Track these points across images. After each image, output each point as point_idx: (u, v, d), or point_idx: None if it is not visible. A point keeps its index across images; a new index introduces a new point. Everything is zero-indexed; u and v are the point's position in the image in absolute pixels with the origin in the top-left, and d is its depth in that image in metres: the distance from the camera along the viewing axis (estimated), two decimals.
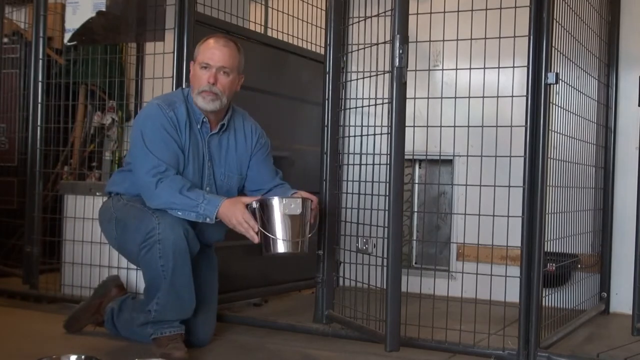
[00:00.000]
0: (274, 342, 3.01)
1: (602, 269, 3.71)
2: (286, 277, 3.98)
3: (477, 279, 2.89)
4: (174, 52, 3.32)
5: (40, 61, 3.88)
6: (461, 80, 3.02)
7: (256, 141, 2.96)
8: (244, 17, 3.90)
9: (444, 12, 2.85)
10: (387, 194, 2.69)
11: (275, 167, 3.06)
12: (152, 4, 3.54)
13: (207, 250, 2.93)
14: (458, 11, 2.83)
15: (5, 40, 4.48)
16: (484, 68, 2.86)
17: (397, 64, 2.64)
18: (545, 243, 2.77)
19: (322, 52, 3.37)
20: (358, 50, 3.12)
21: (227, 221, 2.64)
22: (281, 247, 2.62)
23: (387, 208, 2.70)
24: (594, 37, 3.52)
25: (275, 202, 2.62)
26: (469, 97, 2.93)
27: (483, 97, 2.91)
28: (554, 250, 3.02)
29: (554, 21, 2.75)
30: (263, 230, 2.61)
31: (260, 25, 4.27)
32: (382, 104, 2.83)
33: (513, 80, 2.83)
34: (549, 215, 2.85)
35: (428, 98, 2.98)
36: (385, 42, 2.84)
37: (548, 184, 2.77)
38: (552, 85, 2.70)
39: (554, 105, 2.85)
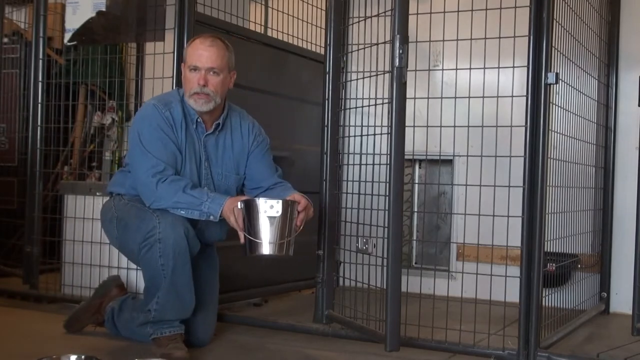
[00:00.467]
0: (274, 342, 3.01)
1: (602, 269, 3.71)
2: (286, 277, 3.98)
3: (477, 279, 2.89)
4: (174, 52, 3.32)
5: (40, 61, 3.88)
6: (461, 80, 3.02)
7: (253, 139, 2.95)
8: (244, 17, 3.90)
9: (444, 12, 2.85)
10: (387, 194, 2.69)
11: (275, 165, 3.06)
12: (152, 4, 3.54)
13: (208, 249, 2.93)
14: (458, 11, 2.83)
15: (5, 40, 4.48)
16: (484, 68, 2.86)
17: (397, 64, 2.64)
18: (545, 243, 2.77)
19: (322, 52, 3.37)
20: (358, 50, 3.12)
21: (227, 220, 2.64)
22: (260, 249, 2.57)
23: (387, 208, 2.70)
24: (594, 37, 3.52)
25: (256, 203, 2.58)
26: (469, 97, 2.93)
27: (483, 97, 2.91)
28: (554, 250, 3.02)
29: (554, 21, 2.75)
30: (244, 232, 2.58)
31: (260, 25, 4.27)
32: (382, 104, 2.83)
33: (513, 80, 2.83)
34: (549, 215, 2.85)
35: (428, 98, 2.98)
36: (385, 42, 2.84)
37: (548, 184, 2.77)
38: (552, 85, 2.70)
39: (554, 105, 2.85)
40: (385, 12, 2.83)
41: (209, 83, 2.73)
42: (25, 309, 3.57)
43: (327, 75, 3.22)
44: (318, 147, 3.26)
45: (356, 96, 3.37)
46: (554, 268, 3.13)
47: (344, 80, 3.57)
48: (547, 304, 2.85)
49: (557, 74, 2.69)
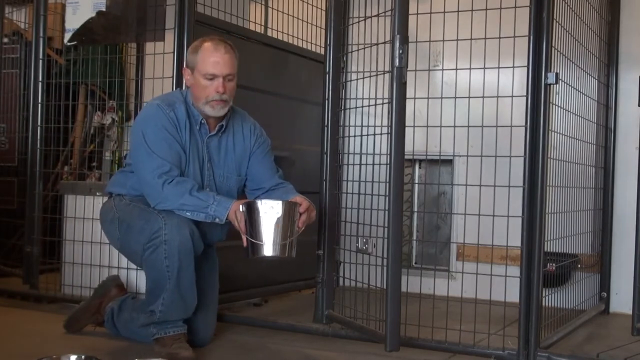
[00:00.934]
0: (274, 342, 3.01)
1: (602, 269, 3.71)
2: (286, 277, 3.98)
3: (477, 279, 2.89)
4: (174, 52, 3.32)
5: (40, 61, 3.88)
6: (461, 80, 3.02)
7: (255, 140, 2.95)
8: (244, 17, 3.90)
9: (444, 12, 2.85)
10: (387, 194, 2.69)
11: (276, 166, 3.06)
12: (152, 4, 3.54)
13: (209, 250, 2.93)
14: (458, 11, 2.83)
15: (5, 40, 4.48)
16: (484, 68, 2.86)
17: (397, 64, 2.64)
18: (545, 243, 2.77)
19: (322, 52, 3.37)
20: (358, 50, 3.12)
21: (233, 223, 2.65)
22: (262, 251, 2.56)
23: (387, 208, 2.70)
24: (594, 37, 3.52)
25: (257, 205, 2.58)
26: (469, 97, 2.93)
27: (483, 97, 2.91)
28: (554, 250, 3.02)
29: (554, 21, 2.75)
30: (245, 234, 2.58)
31: (260, 25, 4.27)
32: (382, 104, 2.83)
33: (513, 80, 2.83)
34: (549, 215, 2.85)
35: (428, 98, 2.98)
36: (385, 42, 2.84)
37: (548, 184, 2.77)
38: (552, 85, 2.70)
39: (554, 105, 2.85)
40: (385, 12, 2.83)
41: (226, 89, 2.74)
42: (25, 309, 3.57)
43: (327, 75, 3.22)
44: (318, 147, 3.26)
45: (356, 96, 3.38)
46: (554, 268, 3.13)
47: (344, 80, 3.57)
48: (547, 304, 2.85)
49: (557, 74, 2.69)
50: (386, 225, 2.69)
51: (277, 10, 4.16)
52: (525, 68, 2.71)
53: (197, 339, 2.83)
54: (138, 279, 3.38)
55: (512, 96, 2.76)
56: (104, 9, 3.72)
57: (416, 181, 4.54)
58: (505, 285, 2.77)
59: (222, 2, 3.62)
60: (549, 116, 2.72)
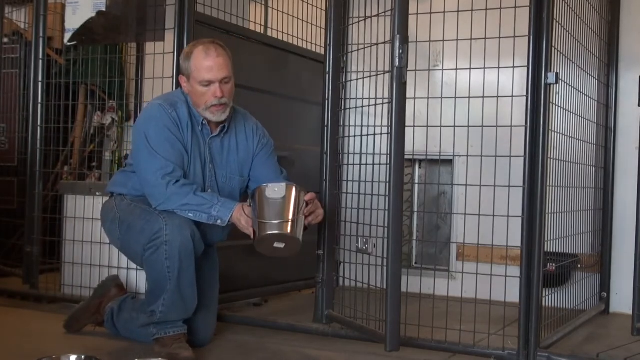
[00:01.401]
0: (274, 342, 3.01)
1: (602, 269, 3.71)
2: (286, 277, 3.98)
3: (477, 279, 2.89)
4: (174, 52, 3.32)
5: (40, 61, 3.88)
6: (461, 80, 3.02)
7: (258, 141, 2.95)
8: (244, 17, 3.90)
9: (444, 12, 2.84)
10: (387, 194, 2.69)
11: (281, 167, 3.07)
12: (152, 4, 3.54)
13: (209, 250, 2.93)
14: (458, 11, 2.83)
15: (5, 40, 4.48)
16: (484, 68, 2.86)
17: (397, 64, 2.64)
18: (545, 243, 2.77)
19: (322, 52, 3.37)
20: (358, 50, 3.12)
21: (238, 224, 2.65)
22: (266, 229, 2.55)
23: (387, 208, 2.70)
24: (594, 37, 3.52)
25: (261, 188, 2.60)
26: (469, 97, 2.93)
27: (483, 97, 2.91)
28: (554, 250, 3.02)
29: (554, 21, 2.75)
30: (250, 218, 2.59)
31: (260, 25, 4.27)
32: (382, 104, 2.83)
33: (513, 80, 2.83)
34: (549, 215, 2.85)
35: (428, 98, 2.98)
36: (385, 42, 2.84)
37: (548, 184, 2.77)
38: (552, 85, 2.70)
39: (554, 105, 2.85)
40: (385, 12, 2.83)
41: (224, 93, 2.72)
42: (25, 309, 3.57)
43: (327, 75, 3.22)
44: (318, 147, 3.26)
45: (356, 96, 3.38)
46: (554, 268, 3.13)
47: (344, 80, 3.57)
48: (547, 304, 2.85)
49: (557, 74, 2.69)
50: (386, 225, 2.69)
51: (277, 10, 4.16)
52: (525, 68, 2.71)
53: (197, 339, 2.83)
54: (138, 279, 3.38)
55: (512, 96, 2.76)
56: (104, 9, 3.72)
57: (416, 181, 4.54)
58: (505, 285, 2.77)
59: (222, 2, 3.62)
60: (549, 116, 2.72)
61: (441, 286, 3.40)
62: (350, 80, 3.61)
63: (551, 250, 2.96)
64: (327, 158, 3.19)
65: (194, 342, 2.79)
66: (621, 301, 3.71)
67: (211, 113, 2.75)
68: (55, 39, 4.36)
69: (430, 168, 4.48)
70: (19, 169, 4.52)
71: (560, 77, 2.81)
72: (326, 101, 3.22)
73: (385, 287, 2.68)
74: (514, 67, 2.80)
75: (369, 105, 3.05)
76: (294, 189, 2.62)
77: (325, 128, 3.21)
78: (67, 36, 3.83)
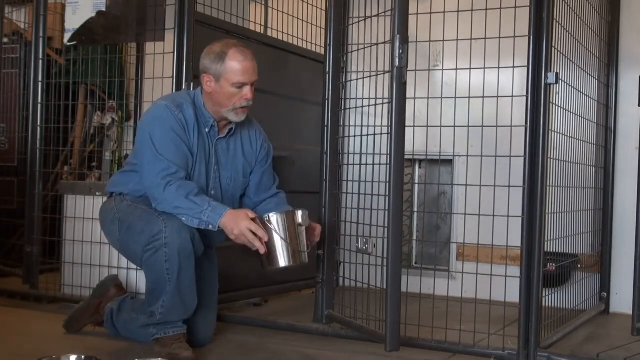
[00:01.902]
0: (274, 342, 3.01)
1: (602, 269, 3.71)
2: (286, 277, 3.97)
3: (477, 279, 2.89)
4: (174, 52, 3.32)
5: (40, 61, 3.88)
6: (461, 80, 3.02)
7: (261, 146, 2.98)
8: (244, 17, 3.90)
9: (444, 12, 2.85)
10: (387, 194, 2.69)
11: (276, 167, 3.07)
12: (152, 4, 3.54)
13: (209, 250, 2.92)
14: (458, 11, 2.83)
15: (5, 40, 4.48)
16: (484, 68, 2.86)
17: (397, 64, 2.64)
18: (545, 243, 2.77)
19: (322, 52, 3.37)
20: (358, 50, 3.12)
21: (229, 231, 2.62)
22: (298, 259, 2.67)
23: (387, 208, 2.70)
24: (594, 37, 3.52)
25: (290, 214, 2.67)
26: (469, 97, 2.93)
27: (483, 97, 2.91)
28: (554, 250, 3.02)
29: (554, 21, 2.75)
30: (263, 247, 2.61)
31: (260, 25, 4.27)
32: (382, 104, 2.83)
33: (513, 80, 2.83)
34: (549, 215, 2.85)
35: (428, 98, 2.98)
36: (385, 42, 2.84)
37: (548, 184, 2.77)
38: (552, 85, 2.70)
39: (554, 105, 2.85)
40: (385, 12, 2.83)
41: (252, 96, 2.77)
42: (25, 309, 3.57)
43: (327, 75, 3.22)
44: (318, 147, 3.26)
45: (356, 96, 3.38)
46: (554, 268, 3.13)
47: (344, 80, 3.57)
48: (547, 304, 2.85)
49: (557, 74, 2.69)
50: (386, 225, 2.69)
51: (277, 10, 4.16)
52: (525, 68, 2.71)
53: (197, 339, 2.83)
54: (138, 279, 3.38)
55: (512, 96, 2.76)
56: (104, 9, 3.72)
57: (416, 181, 4.54)
58: (505, 285, 2.77)
59: (222, 2, 3.62)
60: (549, 116, 2.72)
61: (441, 286, 3.40)
62: (350, 80, 3.61)
63: (551, 250, 2.96)
64: (327, 158, 3.19)
65: (194, 342, 2.79)
66: (621, 301, 3.71)
67: (236, 114, 2.77)
68: (55, 39, 4.36)
69: (430, 168, 4.48)
70: (19, 169, 4.52)
71: (560, 77, 2.81)
72: (326, 101, 3.22)
73: (385, 287, 2.68)
74: (514, 67, 2.80)
75: (369, 105, 3.05)
76: (291, 215, 2.70)
77: (325, 128, 3.21)
78: (67, 36, 3.83)
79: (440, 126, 2.91)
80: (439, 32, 2.89)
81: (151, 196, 2.70)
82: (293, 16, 4.16)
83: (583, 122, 3.39)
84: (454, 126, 2.87)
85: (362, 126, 3.24)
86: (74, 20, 3.81)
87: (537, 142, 2.69)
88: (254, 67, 2.75)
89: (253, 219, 2.62)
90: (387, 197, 2.70)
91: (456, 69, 2.95)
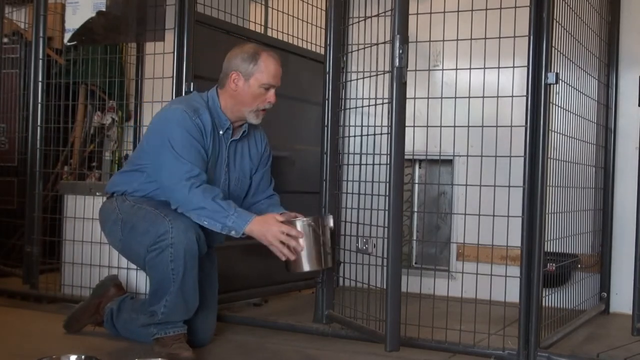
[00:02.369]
0: (274, 342, 3.01)
1: (602, 269, 3.71)
2: (286, 277, 3.97)
3: (477, 279, 2.89)
4: (174, 52, 3.32)
5: (40, 61, 3.88)
6: (461, 80, 3.02)
7: (264, 149, 3.02)
8: (244, 17, 3.90)
9: (444, 12, 2.85)
10: (387, 194, 2.69)
11: (276, 167, 3.08)
12: (152, 4, 3.54)
13: (209, 250, 2.92)
14: (458, 11, 2.83)
15: (5, 40, 4.48)
16: (484, 68, 2.86)
17: (397, 64, 2.64)
18: (545, 243, 2.77)
19: (322, 52, 3.37)
20: (358, 50, 3.12)
21: (261, 236, 2.63)
22: (328, 262, 2.74)
23: (387, 208, 2.70)
24: (594, 37, 3.52)
25: (319, 219, 2.72)
26: (469, 97, 2.93)
27: (483, 97, 2.91)
28: (554, 250, 3.02)
29: (554, 21, 2.75)
30: (293, 254, 2.64)
31: (260, 25, 4.27)
32: (382, 104, 2.83)
33: (513, 80, 2.83)
34: (549, 215, 2.85)
35: (428, 98, 2.98)
36: (385, 42, 2.84)
37: (548, 184, 2.77)
38: (552, 85, 2.70)
39: (554, 105, 2.85)
40: (385, 12, 2.82)
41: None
42: (25, 309, 3.57)
43: (327, 75, 3.22)
44: (318, 147, 3.26)
45: (356, 96, 3.38)
46: (554, 268, 3.13)
47: (344, 80, 3.57)
48: (547, 304, 2.85)
49: (557, 74, 2.69)
50: (386, 225, 2.69)
51: (277, 10, 4.16)
52: (525, 68, 2.71)
53: (197, 339, 2.83)
54: (138, 279, 3.38)
55: (512, 96, 2.76)
56: (104, 9, 3.72)
57: (416, 181, 4.54)
58: (505, 285, 2.77)
59: (222, 2, 3.62)
60: (549, 116, 2.72)
61: (441, 286, 3.40)
62: (350, 80, 3.61)
63: (551, 250, 2.96)
64: (327, 158, 3.19)
65: (194, 342, 2.79)
66: (621, 301, 3.71)
67: (256, 116, 2.82)
68: (55, 39, 4.36)
69: (430, 168, 4.48)
70: (19, 169, 4.52)
71: (560, 77, 2.81)
72: (326, 101, 3.22)
73: (385, 287, 2.68)
74: (514, 67, 2.80)
75: (369, 105, 3.05)
76: (319, 221, 2.75)
77: (325, 128, 3.21)
78: (67, 36, 3.83)
79: (440, 126, 2.91)
80: (439, 32, 2.89)
81: (172, 197, 2.69)
82: (293, 16, 4.16)
83: (583, 122, 3.39)
84: (454, 126, 2.87)
85: (362, 126, 3.24)
86: (74, 20, 3.81)
87: (537, 142, 2.69)
88: (281, 73, 2.82)
89: (306, 221, 2.67)
90: (387, 197, 2.70)
91: (456, 69, 2.95)
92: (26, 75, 4.30)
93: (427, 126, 2.96)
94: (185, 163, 2.66)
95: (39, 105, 3.88)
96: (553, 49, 2.73)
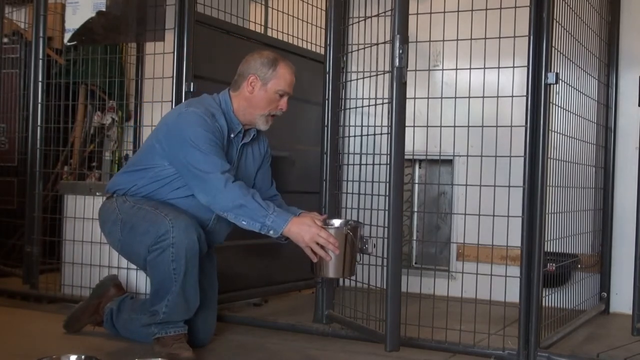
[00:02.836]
0: (274, 342, 3.01)
1: (602, 269, 3.71)
2: (286, 277, 3.98)
3: (477, 279, 2.89)
4: (174, 52, 3.32)
5: (40, 61, 3.88)
6: (461, 80, 3.02)
7: (265, 150, 3.03)
8: (244, 17, 3.90)
9: (444, 12, 2.85)
10: (387, 194, 2.69)
11: (276, 167, 3.08)
12: (152, 4, 3.54)
13: (209, 250, 2.93)
14: (458, 11, 2.83)
15: (5, 40, 4.48)
16: (484, 68, 2.86)
17: (397, 64, 2.64)
18: (545, 243, 2.77)
19: (322, 52, 3.37)
20: (358, 50, 3.12)
21: (298, 237, 2.60)
22: (329, 272, 2.69)
23: (387, 208, 2.70)
24: (594, 37, 3.52)
25: (354, 226, 2.69)
26: (469, 97, 2.93)
27: (483, 97, 2.91)
28: (554, 250, 3.02)
29: (554, 21, 2.75)
30: (328, 258, 2.62)
31: (260, 25, 4.27)
32: (382, 104, 2.83)
33: (513, 80, 2.83)
34: (549, 215, 2.85)
35: (428, 98, 2.98)
36: (385, 42, 2.84)
37: (548, 184, 2.77)
38: (552, 85, 2.70)
39: (554, 105, 2.85)
40: (385, 12, 2.83)
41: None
42: (25, 309, 3.57)
43: (327, 75, 3.22)
44: (318, 147, 3.27)
45: (356, 96, 3.38)
46: (554, 268, 3.13)
47: (344, 80, 3.57)
48: (547, 304, 2.85)
49: (557, 74, 2.69)
50: (386, 225, 2.69)
51: (277, 10, 4.16)
52: (525, 68, 2.71)
53: (197, 339, 2.83)
54: (138, 279, 3.38)
55: (512, 96, 2.76)
56: (104, 9, 3.72)
57: (416, 181, 4.54)
58: (505, 285, 2.77)
59: (222, 2, 3.63)
60: (549, 116, 2.72)
61: (441, 286, 3.40)
62: (350, 80, 3.61)
63: (551, 250, 2.96)
64: (327, 158, 3.19)
65: (194, 342, 2.79)
66: (621, 301, 3.71)
67: (266, 122, 2.84)
68: (55, 39, 4.36)
69: (430, 168, 4.48)
70: (19, 169, 4.53)
71: (560, 77, 2.81)
72: (326, 101, 3.22)
73: (385, 287, 2.68)
74: (514, 67, 2.80)
75: (369, 105, 3.05)
76: (357, 228, 2.75)
77: (325, 128, 3.21)
78: (67, 36, 3.83)
79: (440, 126, 2.91)
80: (439, 32, 2.89)
81: (205, 188, 2.64)
82: (293, 16, 4.16)
83: (583, 122, 3.39)
84: (454, 126, 2.87)
85: (362, 126, 3.24)
86: (74, 20, 3.81)
87: (537, 142, 2.69)
88: (294, 82, 2.86)
89: (344, 227, 2.67)
90: (387, 197, 2.70)
91: (456, 69, 2.95)
92: (26, 75, 4.30)
93: (427, 126, 2.96)
94: (215, 157, 2.65)
95: (39, 105, 3.88)
96: (553, 49, 2.73)
